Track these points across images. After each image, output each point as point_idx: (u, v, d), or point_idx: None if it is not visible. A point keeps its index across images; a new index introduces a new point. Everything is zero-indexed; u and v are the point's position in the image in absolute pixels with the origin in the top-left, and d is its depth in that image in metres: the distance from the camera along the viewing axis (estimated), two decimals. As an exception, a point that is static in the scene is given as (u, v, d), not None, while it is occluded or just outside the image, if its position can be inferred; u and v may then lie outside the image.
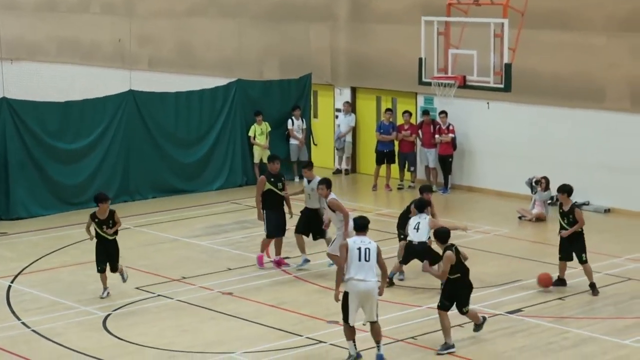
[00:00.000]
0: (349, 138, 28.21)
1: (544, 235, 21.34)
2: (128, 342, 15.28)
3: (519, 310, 16.56)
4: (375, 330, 14.31)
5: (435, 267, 16.11)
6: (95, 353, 14.76)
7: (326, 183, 18.13)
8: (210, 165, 26.41)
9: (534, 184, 23.31)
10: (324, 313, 16.26)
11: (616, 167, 23.42)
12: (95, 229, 17.28)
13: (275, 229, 19.00)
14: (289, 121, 27.23)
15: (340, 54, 28.56)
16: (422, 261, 17.35)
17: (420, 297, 17.19)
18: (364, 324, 14.35)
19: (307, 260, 18.97)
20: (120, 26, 32.89)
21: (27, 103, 23.73)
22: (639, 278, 18.39)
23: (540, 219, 22.82)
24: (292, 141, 27.23)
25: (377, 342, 14.33)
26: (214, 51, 31.70)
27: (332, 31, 28.67)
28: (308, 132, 27.85)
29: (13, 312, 16.73)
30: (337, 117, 28.55)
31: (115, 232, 17.27)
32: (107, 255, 17.24)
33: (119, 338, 15.44)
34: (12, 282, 18.40)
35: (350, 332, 14.24)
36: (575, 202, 17.88)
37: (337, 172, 28.51)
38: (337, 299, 14.32)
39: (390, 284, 17.70)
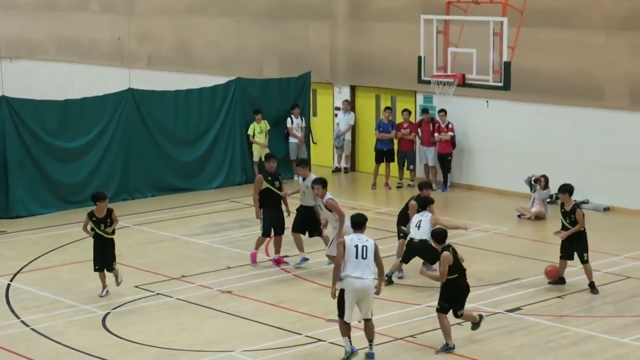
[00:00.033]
0: (348, 136, 28.21)
1: (543, 234, 21.34)
2: (127, 340, 15.28)
3: (518, 309, 16.56)
4: (369, 328, 14.33)
5: (435, 265, 16.11)
6: (94, 352, 14.75)
7: (322, 183, 18.08)
8: (210, 164, 26.41)
9: (533, 182, 23.31)
10: (323, 311, 16.26)
11: (615, 166, 23.43)
12: (92, 228, 17.24)
13: (271, 229, 19.02)
14: (288, 119, 27.22)
15: (340, 52, 28.56)
16: (423, 259, 17.40)
17: (419, 296, 17.19)
18: (359, 322, 14.36)
19: (305, 259, 18.97)
20: (120, 24, 32.91)
21: (26, 101, 23.72)
22: (638, 276, 18.39)
23: (539, 217, 22.83)
24: (292, 140, 27.22)
25: (370, 340, 14.34)
26: (213, 49, 31.69)
27: (331, 29, 28.67)
28: (307, 131, 27.84)
29: (12, 311, 16.72)
30: (336, 115, 28.55)
31: (113, 231, 17.26)
32: (104, 253, 17.21)
33: (118, 336, 15.44)
34: (11, 280, 18.40)
35: (345, 329, 14.24)
36: (576, 201, 17.86)
37: (337, 170, 28.52)
38: (333, 296, 14.34)
39: (390, 282, 17.72)
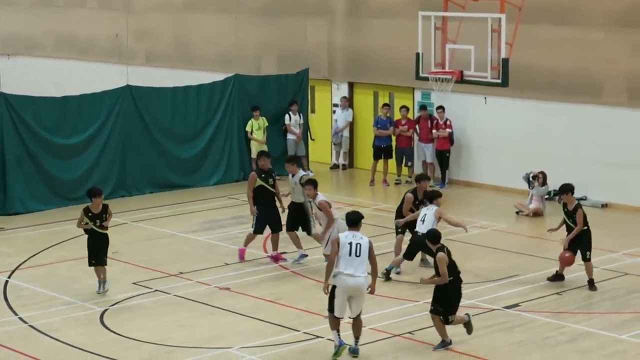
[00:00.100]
0: (346, 133, 28.19)
1: (541, 230, 21.31)
2: (125, 337, 15.27)
3: (516, 305, 16.56)
4: (357, 325, 14.33)
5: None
6: (92, 348, 14.74)
7: (312, 184, 18.08)
8: (208, 161, 26.40)
9: (531, 178, 23.32)
10: (321, 308, 16.19)
11: (613, 162, 23.43)
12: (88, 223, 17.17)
13: (263, 226, 19.02)
14: (287, 116, 27.21)
15: (338, 49, 28.54)
16: (427, 253, 17.35)
17: (417, 292, 17.15)
18: (350, 318, 14.35)
19: (304, 255, 18.97)
20: (117, 21, 32.88)
21: (24, 98, 23.69)
22: (636, 273, 18.40)
23: (537, 213, 22.83)
24: (290, 136, 27.20)
25: (357, 337, 14.35)
26: (212, 46, 31.66)
27: (329, 26, 28.65)
28: (305, 127, 27.82)
29: (10, 308, 16.72)
30: (334, 112, 28.53)
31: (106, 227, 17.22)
32: (98, 248, 17.15)
33: (116, 333, 15.43)
34: (9, 277, 18.39)
35: (334, 323, 14.24)
36: (579, 201, 17.82)
37: (335, 167, 28.52)
38: (325, 292, 14.33)
39: (387, 278, 17.72)
